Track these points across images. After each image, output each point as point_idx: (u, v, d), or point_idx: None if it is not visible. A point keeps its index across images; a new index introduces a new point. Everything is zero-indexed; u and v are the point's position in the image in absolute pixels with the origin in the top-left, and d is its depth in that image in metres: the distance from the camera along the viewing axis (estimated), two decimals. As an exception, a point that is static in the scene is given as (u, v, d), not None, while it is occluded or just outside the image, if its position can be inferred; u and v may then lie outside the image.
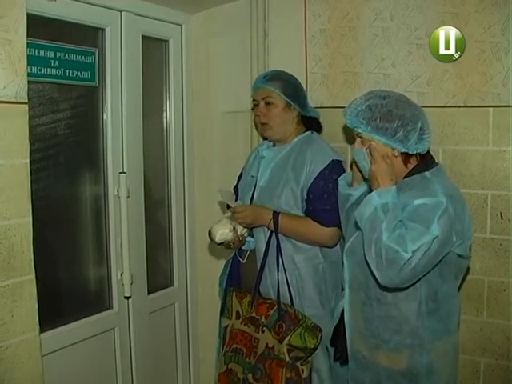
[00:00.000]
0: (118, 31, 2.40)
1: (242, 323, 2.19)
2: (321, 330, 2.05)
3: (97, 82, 2.35)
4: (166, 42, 2.72)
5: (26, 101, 1.79)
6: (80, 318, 2.32)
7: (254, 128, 2.62)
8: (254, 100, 2.27)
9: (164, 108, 2.76)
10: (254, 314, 2.15)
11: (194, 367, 2.92)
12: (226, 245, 2.23)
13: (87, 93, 2.36)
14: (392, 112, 1.73)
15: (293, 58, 2.54)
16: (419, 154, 1.77)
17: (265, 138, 2.36)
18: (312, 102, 2.37)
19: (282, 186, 2.17)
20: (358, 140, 1.79)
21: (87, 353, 2.34)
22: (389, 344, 1.76)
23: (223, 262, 2.47)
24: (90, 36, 2.35)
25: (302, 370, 2.05)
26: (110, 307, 2.47)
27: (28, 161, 1.81)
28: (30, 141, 1.82)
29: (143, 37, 2.54)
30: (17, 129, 1.77)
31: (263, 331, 2.12)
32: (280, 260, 2.14)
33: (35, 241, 1.84)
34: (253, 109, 2.33)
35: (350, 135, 2.45)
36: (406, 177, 1.77)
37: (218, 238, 2.18)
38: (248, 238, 2.24)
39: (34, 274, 1.83)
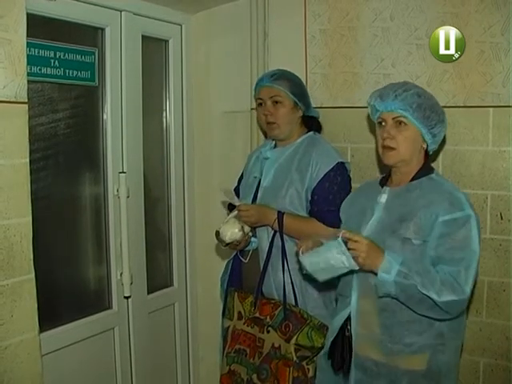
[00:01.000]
0: (117, 31, 2.40)
1: (244, 324, 2.18)
2: (328, 329, 2.02)
3: (97, 81, 2.35)
4: (166, 41, 2.72)
5: (26, 100, 1.79)
6: (79, 318, 2.32)
7: (254, 128, 2.61)
8: (259, 99, 2.24)
9: (164, 108, 2.76)
10: (257, 315, 2.14)
11: (193, 367, 2.92)
12: (233, 245, 2.20)
13: (87, 93, 2.36)
14: (436, 105, 1.74)
15: (293, 58, 2.53)
16: (428, 154, 1.78)
17: (266, 137, 2.35)
18: (312, 102, 2.37)
19: (287, 186, 2.16)
20: (391, 123, 1.71)
21: (87, 353, 2.34)
22: (411, 347, 1.70)
23: (223, 261, 2.47)
24: (90, 36, 2.35)
25: (308, 369, 2.05)
26: (110, 307, 2.47)
27: (28, 160, 1.81)
28: (29, 140, 1.82)
29: (143, 37, 2.54)
30: (16, 128, 1.77)
31: (268, 331, 2.11)
32: (285, 260, 2.14)
33: (35, 240, 1.84)
34: (255, 108, 2.31)
35: (350, 135, 2.45)
36: (412, 179, 1.76)
37: (229, 238, 2.13)
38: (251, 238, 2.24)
39: (33, 274, 1.83)
